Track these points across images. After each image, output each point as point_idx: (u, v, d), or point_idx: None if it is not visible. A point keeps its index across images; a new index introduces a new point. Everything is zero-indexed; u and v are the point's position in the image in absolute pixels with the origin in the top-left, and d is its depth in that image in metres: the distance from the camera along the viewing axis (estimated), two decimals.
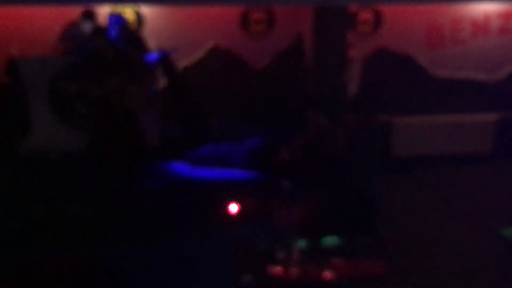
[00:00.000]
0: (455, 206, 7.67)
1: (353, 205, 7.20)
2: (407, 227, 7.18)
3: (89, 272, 6.09)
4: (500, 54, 10.55)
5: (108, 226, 6.86)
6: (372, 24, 10.36)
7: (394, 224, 7.20)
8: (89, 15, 9.45)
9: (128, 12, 9.68)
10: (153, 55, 8.77)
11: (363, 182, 7.65)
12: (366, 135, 9.03)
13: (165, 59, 8.98)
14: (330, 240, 6.64)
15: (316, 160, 8.27)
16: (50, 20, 9.64)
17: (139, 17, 9.93)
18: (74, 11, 9.47)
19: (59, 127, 8.83)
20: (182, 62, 9.91)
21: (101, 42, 8.15)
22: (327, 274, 6.16)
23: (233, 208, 7.22)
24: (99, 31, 8.47)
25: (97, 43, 8.16)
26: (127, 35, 8.62)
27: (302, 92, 9.96)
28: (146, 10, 9.96)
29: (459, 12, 10.49)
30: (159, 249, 6.52)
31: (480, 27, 10.57)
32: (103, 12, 9.43)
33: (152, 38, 9.37)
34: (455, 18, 10.54)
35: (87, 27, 9.36)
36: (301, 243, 6.47)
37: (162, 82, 9.26)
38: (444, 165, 8.98)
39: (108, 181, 7.68)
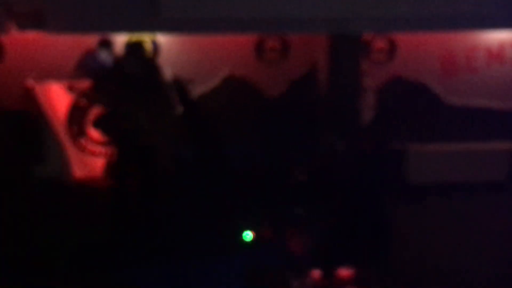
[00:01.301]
0: (470, 236, 7.60)
1: (366, 233, 7.15)
2: (421, 256, 7.12)
3: None
4: None
5: (122, 254, 6.85)
6: (387, 52, 10.38)
7: (408, 253, 7.14)
8: (106, 44, 9.56)
9: (145, 41, 9.76)
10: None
11: (377, 210, 7.61)
12: (381, 163, 9.00)
13: (181, 87, 9.03)
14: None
15: (329, 185, 8.24)
16: (67, 48, 9.75)
17: (155, 46, 10.01)
18: (91, 39, 9.59)
19: (75, 153, 8.89)
20: (198, 90, 9.96)
21: (133, 67, 8.18)
22: None
23: (248, 235, 7.21)
24: (132, 53, 8.47)
25: (128, 67, 8.19)
26: (145, 62, 8.69)
27: (317, 120, 9.96)
28: (161, 38, 10.05)
29: (474, 40, 10.50)
30: (173, 273, 6.51)
31: (495, 55, 10.56)
32: (120, 40, 9.52)
33: (168, 66, 9.43)
34: (470, 47, 10.54)
35: (104, 55, 9.46)
36: (315, 271, 6.43)
37: (177, 110, 9.30)
38: (459, 193, 8.91)
39: (122, 208, 7.69)
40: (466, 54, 10.56)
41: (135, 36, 9.40)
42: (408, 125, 9.96)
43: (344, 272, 6.50)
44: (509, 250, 7.24)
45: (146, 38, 9.80)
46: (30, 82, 9.43)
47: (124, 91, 8.04)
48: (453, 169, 9.37)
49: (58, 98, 9.26)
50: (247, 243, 7.16)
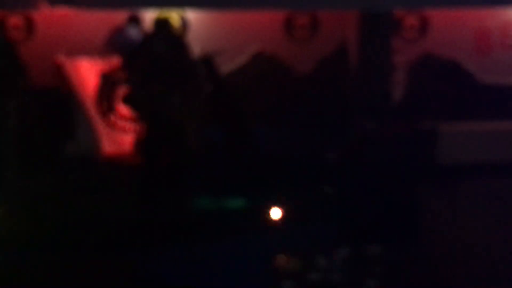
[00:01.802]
0: (503, 216, 7.50)
1: (395, 213, 7.11)
2: (451, 236, 7.05)
3: (130, 273, 6.13)
4: None
5: (151, 229, 6.89)
6: (418, 29, 10.25)
7: (438, 233, 7.08)
8: (135, 20, 9.55)
9: (174, 17, 9.75)
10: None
11: (407, 190, 7.55)
12: (411, 142, 8.92)
13: (209, 64, 9.00)
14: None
15: (359, 164, 8.20)
16: (97, 24, 9.77)
17: (184, 22, 9.99)
18: (120, 16, 9.60)
19: (104, 130, 8.94)
20: (226, 67, 9.92)
21: (161, 44, 8.17)
22: (370, 282, 6.08)
23: (276, 213, 7.20)
24: (159, 34, 8.46)
25: (157, 45, 8.19)
26: (173, 41, 8.66)
27: (347, 98, 9.89)
28: (191, 15, 10.01)
29: (508, 16, 10.30)
30: (201, 253, 6.52)
31: None
32: (149, 17, 9.51)
33: (197, 43, 9.40)
34: (504, 23, 10.36)
35: (132, 31, 9.46)
36: (343, 250, 6.41)
37: (206, 87, 9.29)
38: (491, 173, 8.79)
39: (151, 185, 7.72)
40: (500, 31, 10.38)
41: (164, 13, 9.37)
42: (440, 104, 9.84)
43: (372, 251, 6.46)
44: None
45: (175, 15, 9.78)
46: (60, 58, 9.47)
47: (152, 67, 8.04)
48: (485, 149, 9.24)
49: (87, 74, 9.29)
50: (275, 221, 7.15)
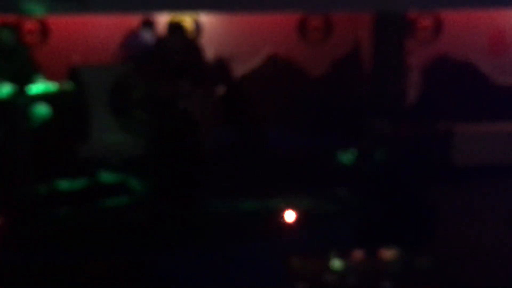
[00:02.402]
0: None
1: (410, 215, 7.08)
2: (466, 238, 7.01)
3: (142, 276, 6.14)
4: None
5: (163, 232, 6.90)
6: (432, 31, 10.22)
7: (455, 236, 7.04)
8: (149, 24, 9.61)
9: (187, 21, 9.78)
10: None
11: (421, 191, 7.52)
12: (426, 144, 8.89)
13: (223, 67, 9.03)
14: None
15: (373, 166, 8.18)
16: (111, 29, 9.83)
17: (198, 26, 10.02)
18: (134, 20, 9.64)
19: (119, 133, 8.97)
20: (240, 70, 9.94)
21: (175, 48, 8.17)
22: (385, 284, 6.05)
23: (290, 215, 7.19)
24: (173, 37, 8.46)
25: (171, 48, 8.19)
26: (186, 44, 8.69)
27: (361, 99, 9.88)
28: (204, 18, 10.04)
29: None
30: (215, 255, 6.53)
31: None
32: (163, 20, 9.55)
33: (211, 46, 9.43)
34: None
35: (146, 35, 9.51)
36: (358, 252, 6.39)
37: (219, 89, 9.32)
38: (507, 175, 8.73)
39: (165, 187, 7.75)
40: None
41: (178, 16, 9.41)
42: (454, 105, 9.80)
43: (387, 253, 6.44)
44: None
45: (189, 18, 9.81)
46: (74, 62, 9.53)
47: (166, 71, 8.07)
48: (501, 150, 9.18)
49: (101, 77, 9.34)
50: (289, 224, 7.15)
